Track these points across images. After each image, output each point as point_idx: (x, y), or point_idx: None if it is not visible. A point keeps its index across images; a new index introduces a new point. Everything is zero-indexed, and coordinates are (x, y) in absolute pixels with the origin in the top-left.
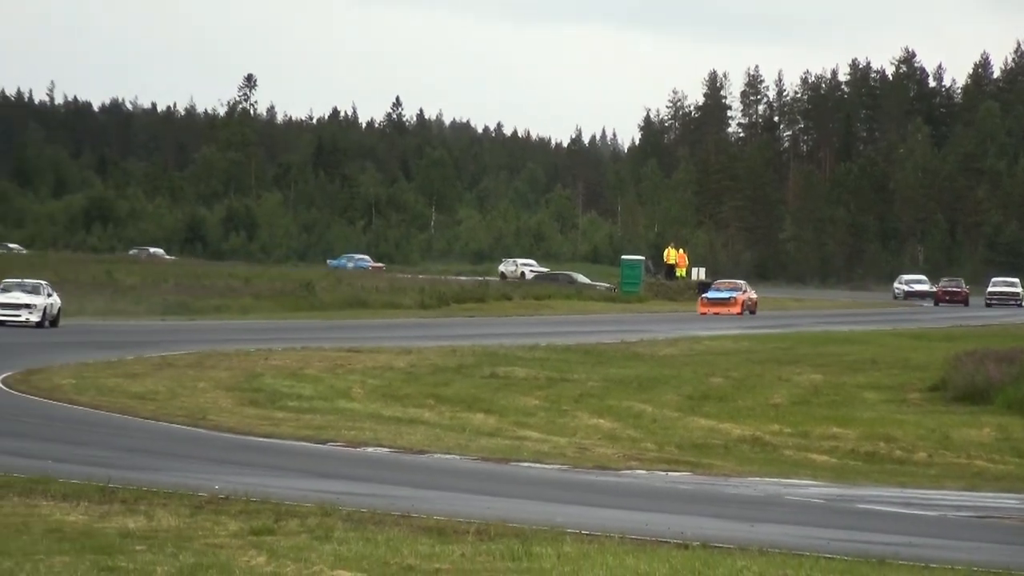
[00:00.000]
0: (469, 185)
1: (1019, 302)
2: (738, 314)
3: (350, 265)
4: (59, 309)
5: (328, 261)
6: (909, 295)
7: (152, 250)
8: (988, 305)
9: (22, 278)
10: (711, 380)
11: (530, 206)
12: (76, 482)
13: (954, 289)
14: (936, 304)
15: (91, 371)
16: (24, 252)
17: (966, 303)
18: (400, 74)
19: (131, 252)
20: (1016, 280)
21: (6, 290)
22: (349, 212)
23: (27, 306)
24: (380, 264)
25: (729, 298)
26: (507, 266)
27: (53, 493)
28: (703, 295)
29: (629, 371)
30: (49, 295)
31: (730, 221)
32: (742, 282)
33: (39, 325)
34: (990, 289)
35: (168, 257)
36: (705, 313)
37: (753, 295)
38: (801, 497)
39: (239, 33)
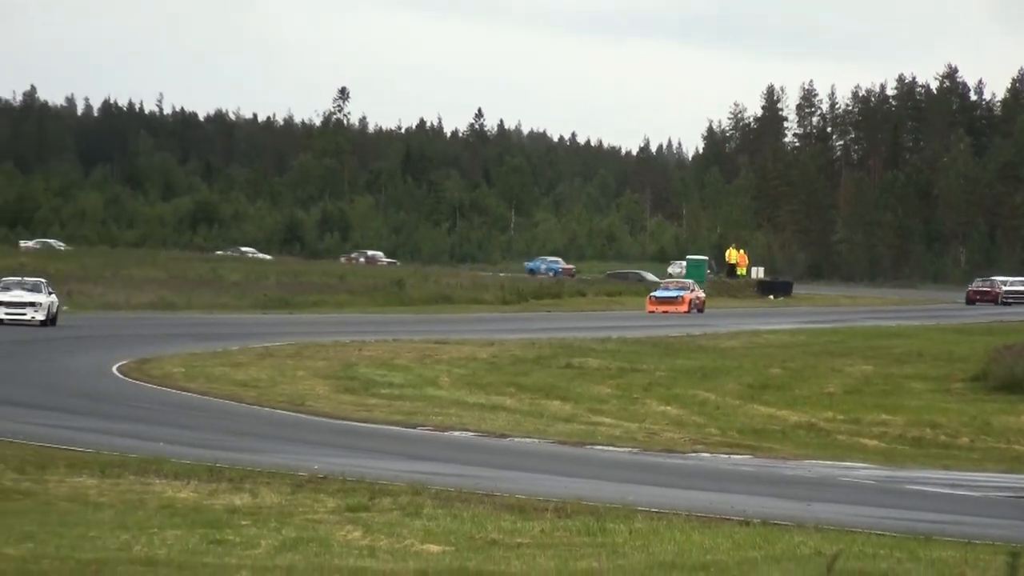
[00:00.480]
0: (546, 190)
1: None
2: (685, 312)
3: (543, 267)
4: (58, 307)
5: (525, 264)
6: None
7: (371, 253)
8: (1004, 303)
9: (22, 277)
10: (770, 371)
11: (602, 210)
12: (187, 462)
13: (985, 289)
14: (969, 303)
15: (199, 360)
16: (267, 258)
17: (996, 301)
18: (482, 88)
19: (352, 255)
20: None
21: (7, 288)
22: (435, 215)
23: (32, 304)
24: (571, 267)
25: (677, 297)
26: (674, 268)
27: (166, 472)
28: (651, 294)
29: (694, 362)
30: (49, 293)
31: (786, 224)
32: (690, 281)
33: (43, 324)
34: (1005, 288)
35: (385, 260)
36: (653, 311)
37: (701, 294)
38: (853, 479)
39: (333, 50)
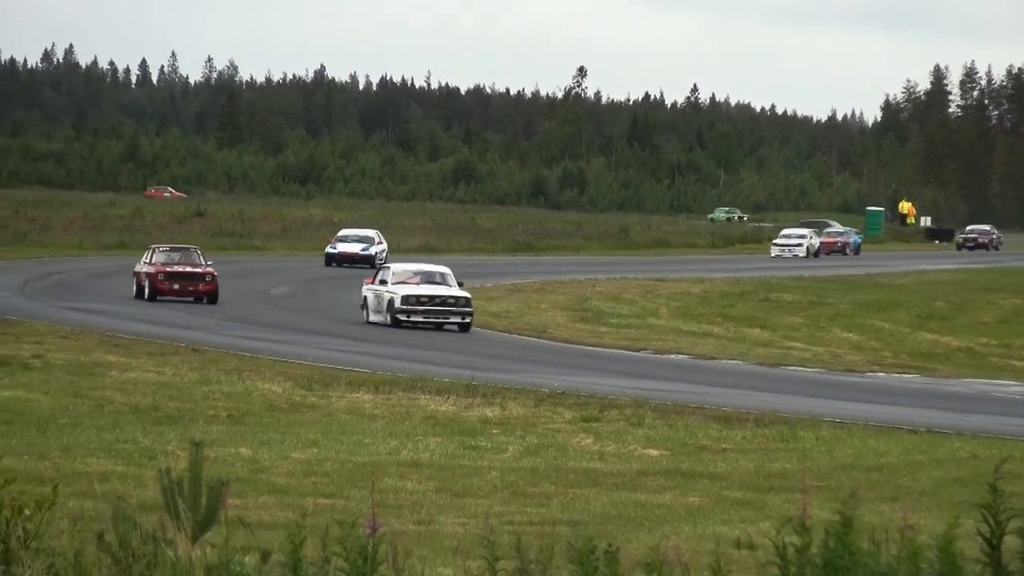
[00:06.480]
0: (749, 152)
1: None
2: None
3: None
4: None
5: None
6: None
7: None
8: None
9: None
10: (935, 303)
11: (796, 169)
12: (447, 380)
13: None
14: None
15: None
16: None
17: None
18: (697, 66)
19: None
20: None
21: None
22: (657, 173)
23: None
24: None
25: None
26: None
27: (429, 389)
28: None
29: (872, 296)
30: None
31: (949, 181)
32: None
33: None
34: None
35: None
36: None
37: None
38: (1004, 394)
39: (574, 35)
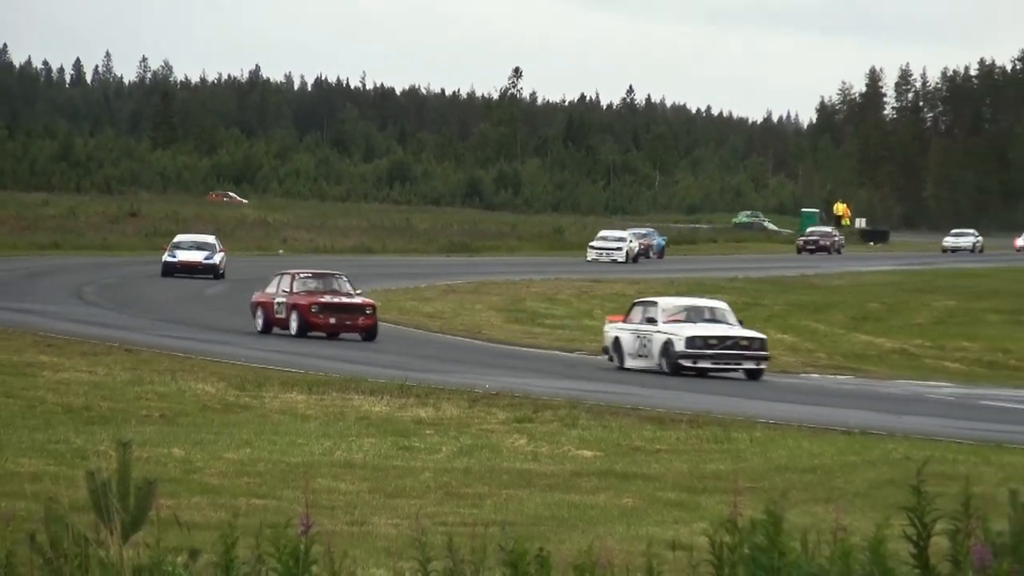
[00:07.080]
0: (685, 153)
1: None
2: None
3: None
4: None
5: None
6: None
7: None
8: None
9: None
10: (869, 305)
11: (731, 170)
12: (381, 381)
13: None
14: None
15: (393, 296)
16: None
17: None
18: (633, 68)
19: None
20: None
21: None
22: (592, 174)
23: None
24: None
25: None
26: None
27: (363, 389)
28: None
29: (807, 297)
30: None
31: (884, 182)
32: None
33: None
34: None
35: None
36: None
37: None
38: (937, 395)
39: (509, 36)
